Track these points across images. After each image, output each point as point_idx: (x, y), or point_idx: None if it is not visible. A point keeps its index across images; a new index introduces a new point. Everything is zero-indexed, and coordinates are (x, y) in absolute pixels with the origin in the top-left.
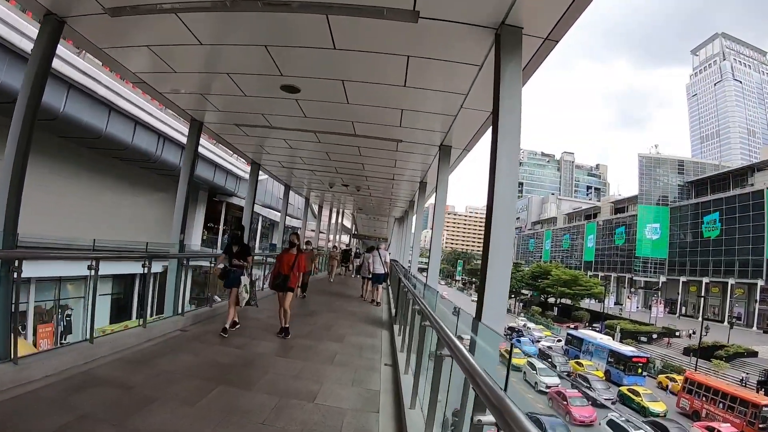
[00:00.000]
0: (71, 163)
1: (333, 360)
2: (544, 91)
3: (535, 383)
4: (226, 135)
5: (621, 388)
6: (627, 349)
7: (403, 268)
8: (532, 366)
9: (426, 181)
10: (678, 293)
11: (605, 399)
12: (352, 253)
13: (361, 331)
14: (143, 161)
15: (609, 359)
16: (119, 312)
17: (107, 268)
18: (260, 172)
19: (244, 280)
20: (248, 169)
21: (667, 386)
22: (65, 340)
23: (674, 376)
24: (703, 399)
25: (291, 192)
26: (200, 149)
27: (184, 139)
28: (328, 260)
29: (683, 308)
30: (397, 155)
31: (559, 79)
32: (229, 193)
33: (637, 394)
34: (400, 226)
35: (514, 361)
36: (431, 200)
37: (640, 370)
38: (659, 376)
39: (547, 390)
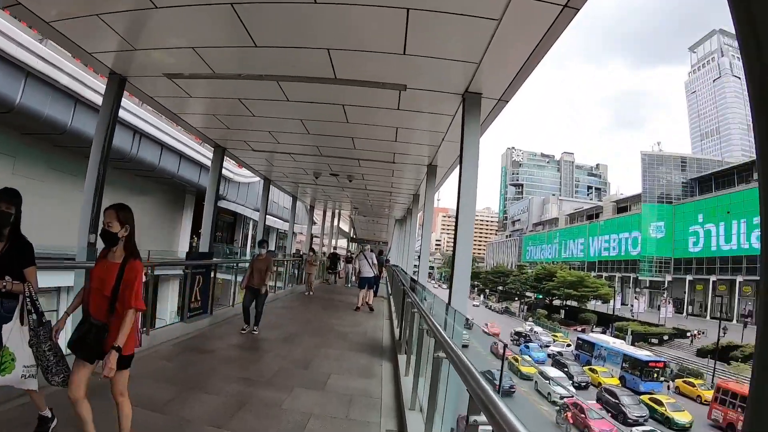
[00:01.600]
0: (40, 163)
1: (304, 430)
2: (542, 91)
3: (548, 393)
4: (164, 98)
5: (642, 397)
6: (642, 354)
7: (408, 275)
8: (544, 375)
9: (436, 164)
10: (684, 292)
11: (636, 416)
12: (342, 258)
13: (353, 366)
14: (116, 160)
15: (623, 364)
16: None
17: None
18: (241, 168)
19: (9, 333)
20: (239, 170)
21: (669, 386)
22: None
23: (692, 380)
24: (739, 410)
25: (280, 192)
26: (184, 149)
27: (163, 137)
28: (305, 267)
29: (690, 307)
30: (400, 117)
31: (555, 79)
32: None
33: (660, 403)
34: (401, 228)
35: (525, 369)
36: (431, 202)
37: (656, 376)
38: (676, 380)
39: (562, 401)
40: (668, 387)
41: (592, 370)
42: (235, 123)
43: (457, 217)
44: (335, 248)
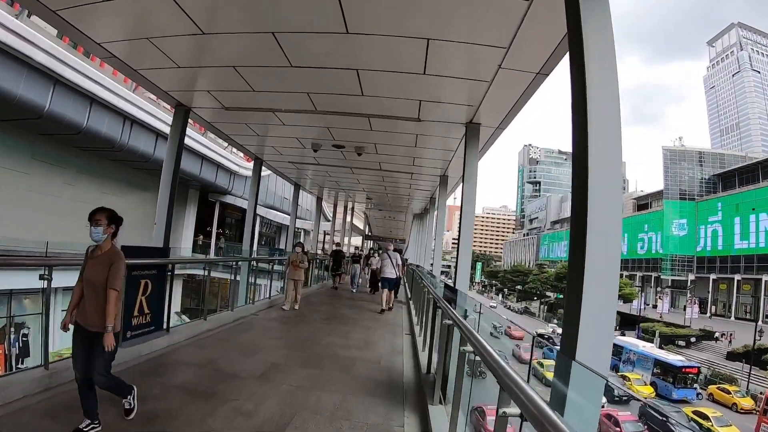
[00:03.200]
0: (22, 153)
1: None
2: (558, 88)
3: None
4: (68, 11)
5: (685, 410)
6: (675, 359)
7: (436, 280)
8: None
9: (479, 122)
10: (708, 292)
11: None
12: (347, 256)
13: (357, 430)
14: (105, 149)
15: (655, 370)
16: None
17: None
18: (250, 162)
19: None
20: (247, 164)
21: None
22: (22, 364)
23: (726, 386)
24: None
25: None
26: (186, 140)
27: (158, 124)
28: (288, 272)
29: (713, 307)
30: (433, 18)
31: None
32: (221, 191)
33: (705, 417)
34: (420, 223)
35: (551, 375)
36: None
37: (690, 382)
38: (709, 386)
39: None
40: (697, 394)
41: (624, 377)
42: (182, 54)
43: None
44: (338, 245)
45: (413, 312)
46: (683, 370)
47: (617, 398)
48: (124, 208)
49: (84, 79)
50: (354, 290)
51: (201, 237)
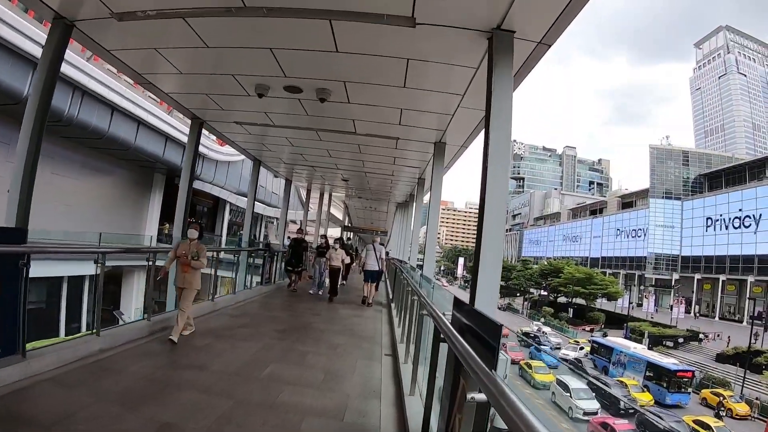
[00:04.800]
0: None
1: None
2: (543, 85)
3: (569, 408)
4: None
5: (684, 418)
6: (669, 362)
7: (429, 283)
8: (564, 386)
9: (511, 27)
10: (692, 291)
11: None
12: (307, 247)
13: None
14: (52, 123)
15: (647, 373)
16: (44, 326)
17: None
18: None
19: None
20: (219, 147)
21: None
22: None
23: (720, 390)
24: None
25: (268, 174)
26: (143, 114)
27: (113, 97)
28: (176, 272)
29: (697, 307)
30: None
31: (557, 74)
32: None
33: (707, 427)
34: (404, 213)
35: (540, 378)
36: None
37: (684, 387)
38: (702, 391)
39: (586, 418)
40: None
41: (621, 383)
42: None
43: None
44: (300, 231)
45: (396, 321)
46: (678, 374)
47: (622, 411)
48: (81, 192)
49: (24, 39)
50: (319, 292)
51: (167, 225)
